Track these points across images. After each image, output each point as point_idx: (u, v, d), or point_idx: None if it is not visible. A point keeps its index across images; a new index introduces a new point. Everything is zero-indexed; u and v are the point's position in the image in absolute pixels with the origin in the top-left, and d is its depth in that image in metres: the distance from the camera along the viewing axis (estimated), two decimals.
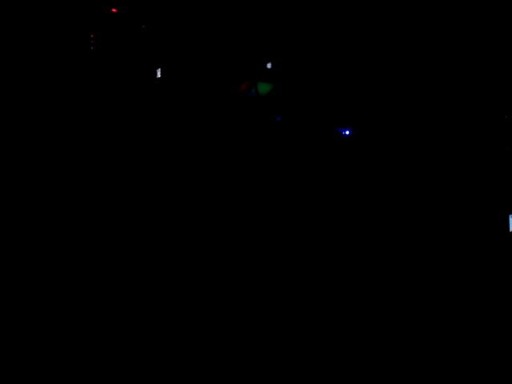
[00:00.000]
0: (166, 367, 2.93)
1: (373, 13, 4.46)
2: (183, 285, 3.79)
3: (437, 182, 4.43)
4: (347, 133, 5.05)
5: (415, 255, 4.02)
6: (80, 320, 3.33)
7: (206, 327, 3.31)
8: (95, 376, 2.82)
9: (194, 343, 3.14)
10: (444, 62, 4.29)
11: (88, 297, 3.58)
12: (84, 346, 3.08)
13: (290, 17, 4.76)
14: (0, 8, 4.47)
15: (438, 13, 4.05)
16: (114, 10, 4.73)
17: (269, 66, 4.97)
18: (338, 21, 4.68)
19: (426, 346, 3.25)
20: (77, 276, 3.78)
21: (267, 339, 3.20)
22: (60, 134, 4.74)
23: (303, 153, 5.02)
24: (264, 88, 5.11)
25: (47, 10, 4.66)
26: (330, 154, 4.97)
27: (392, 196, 4.54)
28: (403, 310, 3.53)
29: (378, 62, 4.70)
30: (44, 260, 3.93)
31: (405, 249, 4.09)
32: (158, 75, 5.09)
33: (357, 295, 3.73)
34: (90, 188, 4.66)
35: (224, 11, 4.78)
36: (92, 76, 4.96)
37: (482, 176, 4.19)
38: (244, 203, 4.65)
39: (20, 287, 3.59)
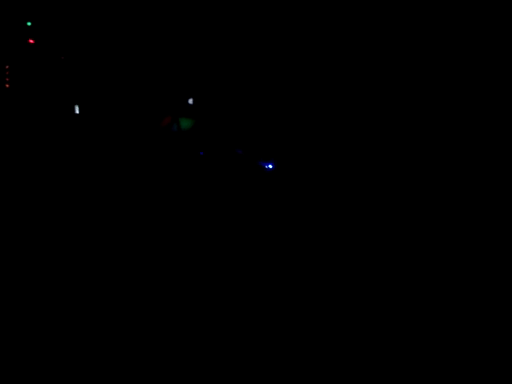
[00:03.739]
0: (166, 367, 2.81)
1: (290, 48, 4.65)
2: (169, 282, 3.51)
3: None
4: (270, 166, 4.95)
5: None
6: (79, 319, 3.19)
7: (203, 326, 3.15)
8: (95, 376, 2.73)
9: (193, 342, 3.00)
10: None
11: (87, 295, 3.44)
12: (83, 345, 2.95)
13: (209, 53, 4.90)
14: None
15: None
16: (31, 41, 4.69)
17: (190, 101, 4.96)
18: (255, 57, 4.85)
19: (428, 346, 3.01)
20: (76, 274, 3.62)
21: (267, 339, 3.02)
22: None
23: (224, 186, 4.81)
24: (186, 123, 5.03)
25: None
26: (252, 186, 4.79)
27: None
28: (404, 310, 3.25)
29: (300, 95, 4.79)
30: (43, 259, 3.73)
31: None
32: (77, 111, 4.94)
33: (355, 295, 3.48)
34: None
35: (145, 47, 4.87)
36: (7, 108, 4.74)
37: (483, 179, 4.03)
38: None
39: (20, 286, 3.45)
